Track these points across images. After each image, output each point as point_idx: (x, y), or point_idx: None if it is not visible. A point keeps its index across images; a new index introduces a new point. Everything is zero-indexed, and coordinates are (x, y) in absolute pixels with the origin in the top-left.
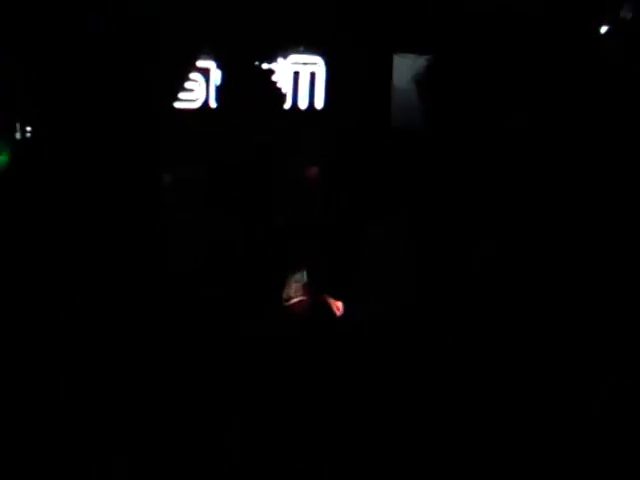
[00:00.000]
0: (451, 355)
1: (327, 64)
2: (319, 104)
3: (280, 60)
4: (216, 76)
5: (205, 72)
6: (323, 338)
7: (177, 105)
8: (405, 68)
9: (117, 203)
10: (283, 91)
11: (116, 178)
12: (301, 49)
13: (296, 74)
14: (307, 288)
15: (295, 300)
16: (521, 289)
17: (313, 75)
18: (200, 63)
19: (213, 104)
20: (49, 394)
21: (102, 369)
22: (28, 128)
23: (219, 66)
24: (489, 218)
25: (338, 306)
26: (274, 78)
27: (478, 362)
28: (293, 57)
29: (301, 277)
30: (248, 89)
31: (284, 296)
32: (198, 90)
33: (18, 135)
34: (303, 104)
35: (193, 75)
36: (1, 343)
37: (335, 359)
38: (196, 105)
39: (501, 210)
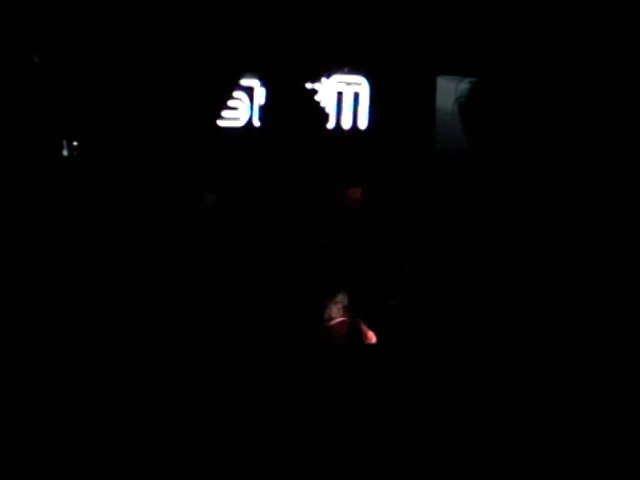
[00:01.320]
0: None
1: (371, 84)
2: (362, 124)
3: (324, 80)
4: (260, 95)
5: (249, 91)
6: (360, 360)
7: (221, 124)
8: (449, 90)
9: (155, 220)
10: (326, 111)
11: (156, 196)
12: (345, 69)
13: (340, 94)
14: (348, 309)
15: (336, 321)
16: (554, 321)
17: (357, 95)
18: (244, 82)
19: (257, 123)
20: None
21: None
22: (68, 143)
23: (263, 85)
24: (526, 247)
25: (370, 335)
26: (317, 98)
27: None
28: (337, 77)
29: (342, 298)
30: (291, 108)
31: (325, 316)
32: (242, 109)
33: (65, 151)
34: (347, 124)
35: (237, 94)
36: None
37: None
38: (240, 124)
39: (538, 239)
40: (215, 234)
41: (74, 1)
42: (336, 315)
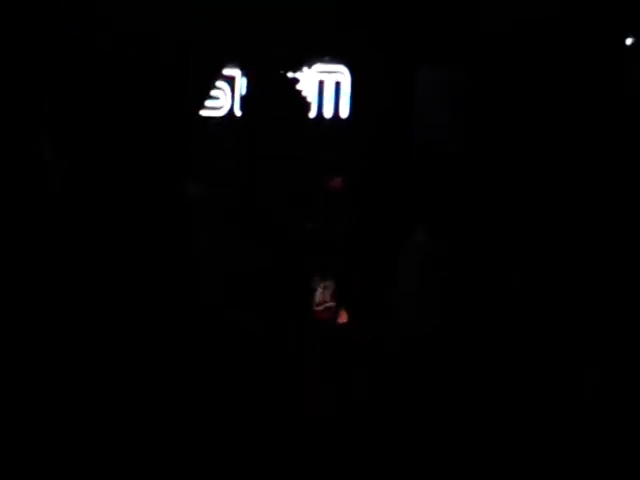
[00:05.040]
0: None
1: (352, 73)
2: (344, 113)
3: (305, 69)
4: (241, 84)
5: (230, 80)
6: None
7: (203, 113)
8: (429, 79)
9: (140, 211)
10: (308, 100)
11: (142, 187)
12: (326, 58)
13: (321, 83)
14: (335, 295)
15: (325, 306)
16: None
17: (338, 84)
18: (226, 71)
19: (238, 112)
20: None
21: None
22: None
23: (244, 74)
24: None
25: (343, 315)
26: (299, 87)
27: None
28: (318, 66)
29: (330, 284)
30: (273, 97)
31: (315, 301)
32: (223, 98)
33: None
34: (328, 113)
35: (219, 83)
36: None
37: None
38: (221, 113)
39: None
40: (200, 224)
41: (61, 4)
42: (325, 300)
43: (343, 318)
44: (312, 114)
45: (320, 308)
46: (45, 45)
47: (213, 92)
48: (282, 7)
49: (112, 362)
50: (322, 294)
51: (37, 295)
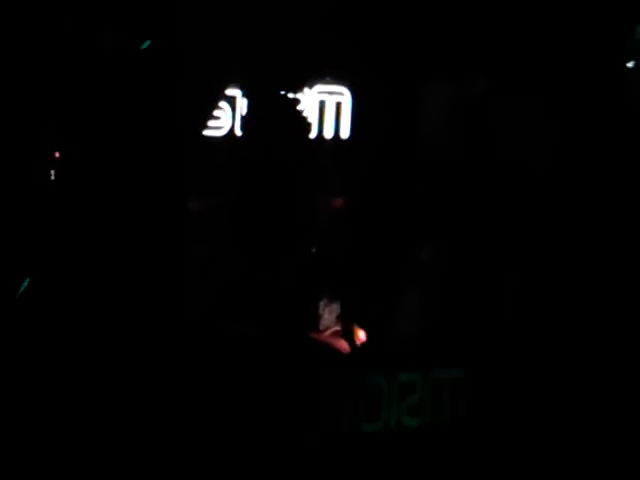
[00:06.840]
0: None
1: (353, 94)
2: (345, 134)
3: (306, 89)
4: (242, 104)
5: (231, 100)
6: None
7: (204, 133)
8: (432, 99)
9: (141, 231)
10: (308, 120)
11: (141, 206)
12: (327, 79)
13: (322, 103)
14: (340, 317)
15: (332, 330)
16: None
17: (339, 105)
18: (226, 91)
19: (238, 132)
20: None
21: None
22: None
23: (245, 94)
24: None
25: (359, 335)
26: (300, 107)
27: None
28: (319, 86)
29: (335, 307)
30: (273, 118)
31: (320, 327)
32: (224, 118)
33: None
34: (329, 134)
35: (219, 103)
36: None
37: None
38: (222, 133)
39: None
40: (202, 243)
41: (63, 14)
42: (331, 324)
43: (360, 338)
44: (313, 135)
45: (327, 333)
46: (45, 45)
47: (215, 112)
48: (283, 28)
49: (107, 369)
50: (328, 319)
51: (30, 301)
